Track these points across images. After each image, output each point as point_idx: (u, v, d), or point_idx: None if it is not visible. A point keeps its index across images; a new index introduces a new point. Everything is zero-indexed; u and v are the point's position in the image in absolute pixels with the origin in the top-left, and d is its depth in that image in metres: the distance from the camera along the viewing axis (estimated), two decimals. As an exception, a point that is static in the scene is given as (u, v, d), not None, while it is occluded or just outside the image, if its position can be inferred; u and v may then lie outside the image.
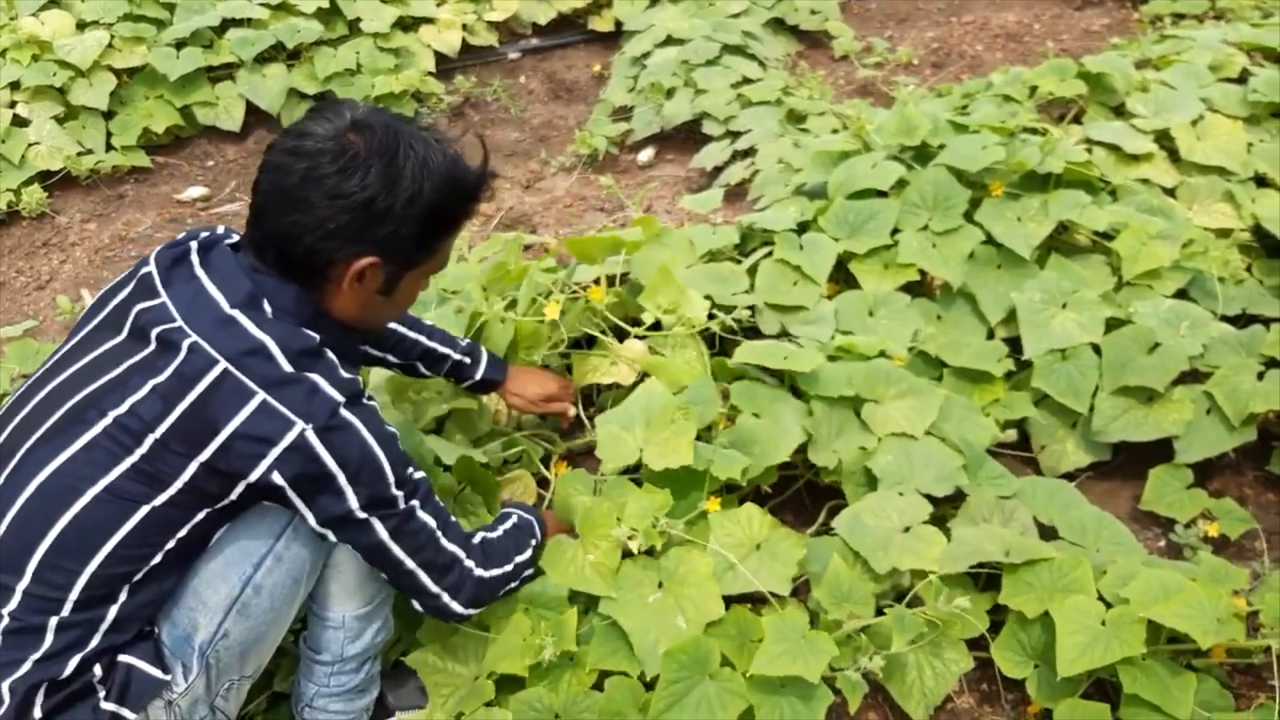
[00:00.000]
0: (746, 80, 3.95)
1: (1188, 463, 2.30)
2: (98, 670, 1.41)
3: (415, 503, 1.54)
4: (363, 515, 1.48)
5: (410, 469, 1.55)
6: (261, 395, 1.37)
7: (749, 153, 3.53)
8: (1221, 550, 2.24)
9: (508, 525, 1.84)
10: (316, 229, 1.42)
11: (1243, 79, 3.24)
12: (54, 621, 1.36)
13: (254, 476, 1.38)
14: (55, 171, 3.69)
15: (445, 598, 1.63)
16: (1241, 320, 2.59)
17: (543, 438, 2.39)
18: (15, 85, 3.80)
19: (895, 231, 2.62)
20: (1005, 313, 2.52)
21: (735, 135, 3.66)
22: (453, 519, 1.65)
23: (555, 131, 4.26)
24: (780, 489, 2.27)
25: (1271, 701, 1.78)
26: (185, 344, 1.38)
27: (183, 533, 1.43)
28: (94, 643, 1.39)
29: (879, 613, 1.86)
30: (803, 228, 2.68)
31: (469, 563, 1.64)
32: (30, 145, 3.69)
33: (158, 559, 1.42)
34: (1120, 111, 3.23)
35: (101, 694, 1.41)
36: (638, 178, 3.83)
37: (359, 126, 1.43)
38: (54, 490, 1.37)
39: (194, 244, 1.50)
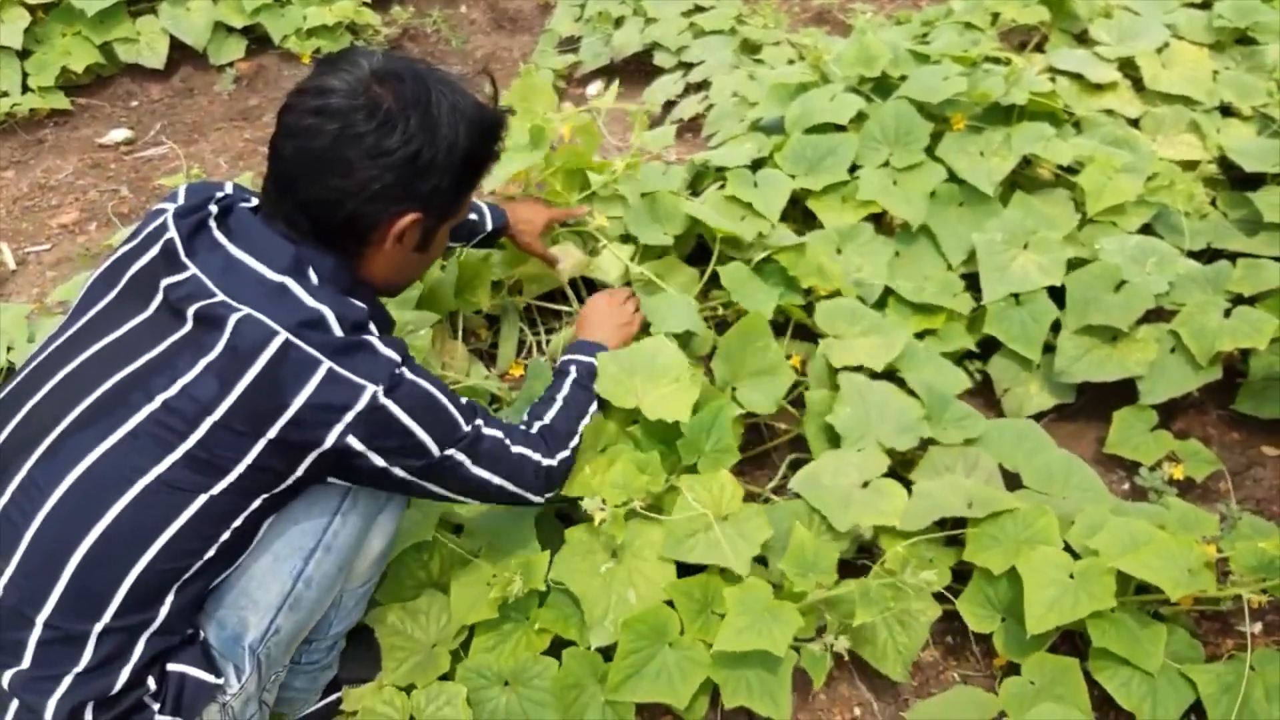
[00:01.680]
0: (699, 8, 3.78)
1: (1152, 403, 2.25)
2: (151, 683, 1.30)
3: (479, 422, 1.51)
4: (446, 453, 1.43)
5: (464, 400, 1.50)
6: (328, 363, 1.29)
7: (702, 85, 3.39)
8: (1187, 492, 2.20)
9: (566, 388, 1.81)
10: (359, 191, 1.33)
11: (1207, 4, 3.15)
12: (96, 628, 1.24)
13: (328, 443, 1.30)
14: (-33, 116, 3.48)
15: (530, 495, 1.62)
16: (1206, 255, 2.54)
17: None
18: (-81, 22, 3.56)
19: (854, 168, 2.52)
20: (967, 253, 2.44)
21: (688, 67, 3.52)
22: (510, 423, 1.63)
23: (499, 64, 4.08)
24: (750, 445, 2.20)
25: (1241, 651, 1.75)
26: (233, 318, 1.27)
27: (238, 522, 1.33)
28: (138, 650, 1.28)
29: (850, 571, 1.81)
30: (758, 165, 2.56)
31: (537, 456, 1.62)
32: (-61, 88, 3.47)
33: (210, 553, 1.32)
34: (1083, 39, 3.14)
35: (155, 708, 1.30)
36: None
37: (383, 77, 1.34)
38: (98, 482, 1.24)
39: (212, 207, 1.40)
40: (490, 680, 1.70)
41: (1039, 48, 3.13)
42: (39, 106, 3.58)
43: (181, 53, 3.84)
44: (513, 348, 2.37)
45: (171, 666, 1.32)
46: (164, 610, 1.29)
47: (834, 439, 2.03)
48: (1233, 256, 2.45)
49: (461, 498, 1.54)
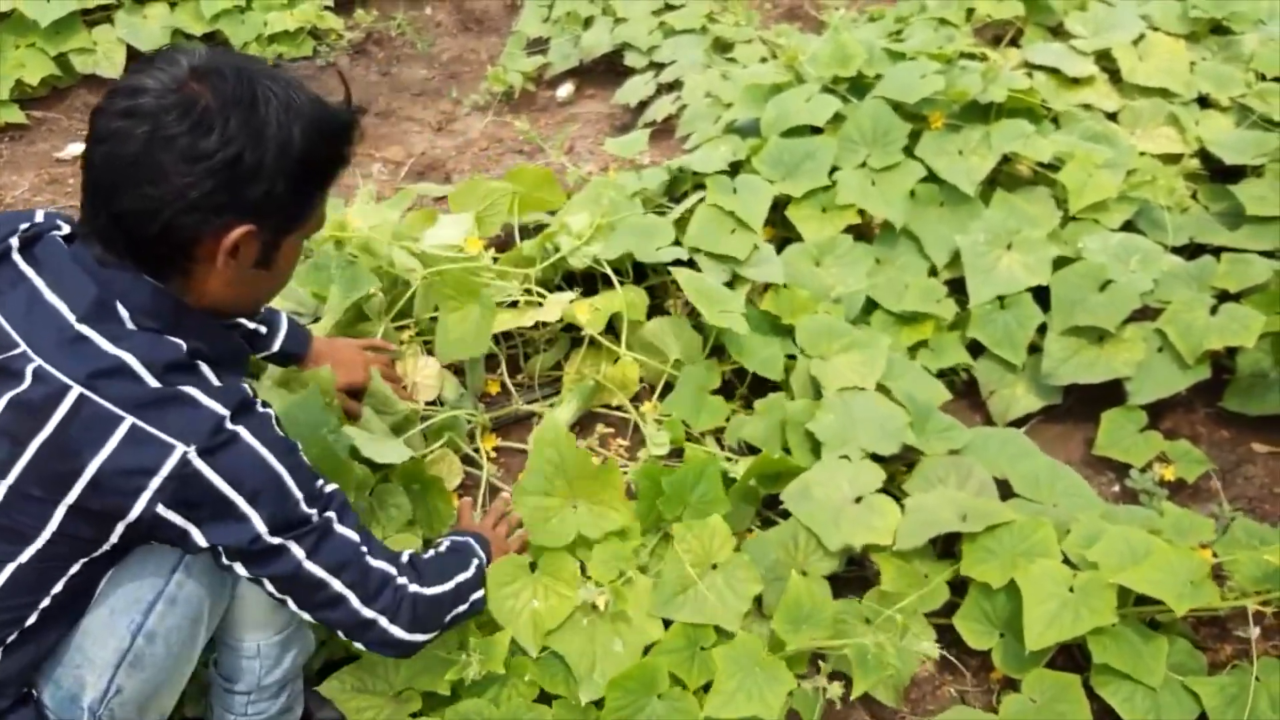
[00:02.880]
0: (669, 6, 3.72)
1: (1141, 404, 2.23)
2: None
3: (331, 515, 1.33)
4: (275, 540, 1.26)
5: (320, 481, 1.35)
6: (129, 419, 1.15)
7: (674, 86, 3.33)
8: (1178, 493, 2.17)
9: (441, 548, 1.65)
10: (174, 200, 1.17)
11: (1182, -7, 3.12)
12: None
13: (134, 514, 1.17)
14: (-82, 131, 3.37)
15: (383, 621, 1.40)
16: (1189, 250, 2.51)
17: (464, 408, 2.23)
18: None
19: (833, 170, 2.47)
20: (950, 254, 2.40)
21: (659, 67, 3.45)
22: (373, 536, 1.45)
23: (467, 67, 4.01)
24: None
25: (1241, 657, 1.72)
26: (29, 370, 1.17)
27: (58, 588, 1.24)
28: None
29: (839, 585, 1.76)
30: (735, 169, 2.51)
31: (401, 579, 1.42)
32: (-112, 104, 3.36)
33: (32, 619, 1.23)
34: (1058, 32, 3.11)
35: None
36: (557, 116, 3.62)
37: (202, 73, 1.19)
38: None
39: (14, 239, 1.26)
40: (482, 727, 1.63)
41: (1014, 42, 3.09)
42: (-8, 121, 3.48)
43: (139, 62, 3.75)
44: (481, 368, 2.30)
45: None
46: None
47: (815, 448, 1.99)
48: (1215, 251, 2.42)
49: (290, 601, 1.34)
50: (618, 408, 2.29)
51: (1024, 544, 1.78)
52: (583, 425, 2.28)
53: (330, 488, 1.36)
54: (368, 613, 1.38)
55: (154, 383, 1.18)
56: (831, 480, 1.87)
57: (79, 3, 3.61)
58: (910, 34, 2.96)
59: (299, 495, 1.27)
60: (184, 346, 1.23)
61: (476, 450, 2.19)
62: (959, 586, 1.84)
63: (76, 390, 1.15)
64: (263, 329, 1.84)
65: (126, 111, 1.17)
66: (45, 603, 1.23)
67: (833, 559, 1.80)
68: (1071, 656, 1.84)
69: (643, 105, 3.38)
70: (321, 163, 1.30)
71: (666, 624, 1.73)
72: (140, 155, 1.16)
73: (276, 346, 1.86)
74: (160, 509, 1.17)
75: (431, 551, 1.63)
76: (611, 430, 2.26)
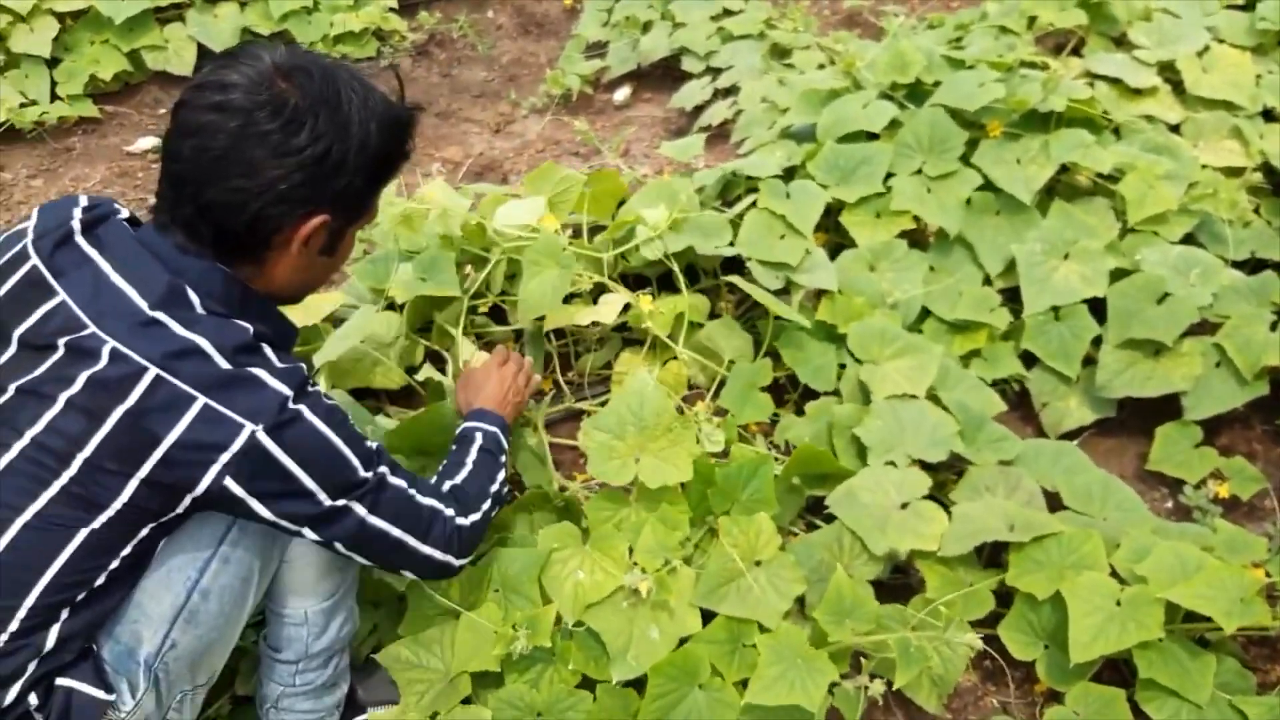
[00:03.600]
0: (727, 12, 3.74)
1: (1196, 419, 2.20)
2: (33, 699, 1.27)
3: (384, 469, 1.41)
4: (340, 503, 1.34)
5: (366, 441, 1.42)
6: (202, 399, 1.21)
7: (731, 91, 3.34)
8: (1232, 511, 2.14)
9: (474, 453, 1.70)
10: (263, 192, 1.25)
11: (1250, 5, 3.06)
12: None
13: (201, 488, 1.24)
14: (-3, 124, 3.48)
15: (438, 554, 1.50)
16: (1250, 265, 2.47)
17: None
18: (-50, 33, 3.56)
19: (888, 177, 2.47)
20: (1004, 263, 2.39)
21: (716, 72, 3.47)
22: (416, 475, 1.52)
23: (526, 70, 4.05)
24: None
25: (1293, 680, 1.70)
26: (105, 350, 1.22)
27: (126, 550, 1.29)
28: (30, 669, 1.25)
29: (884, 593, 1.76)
30: (789, 173, 2.52)
31: (449, 512, 1.52)
32: (-32, 97, 3.47)
33: (100, 580, 1.29)
34: (1121, 42, 3.07)
35: None
36: (614, 119, 3.64)
37: (287, 71, 1.27)
38: None
39: (74, 221, 1.31)
40: (523, 711, 1.66)
41: (1075, 51, 3.06)
42: (67, 115, 3.58)
43: (209, 59, 3.83)
44: (539, 365, 2.33)
45: (60, 681, 1.28)
46: (55, 630, 1.26)
47: (861, 452, 1.99)
48: (1277, 266, 2.39)
49: (357, 555, 1.44)
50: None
51: (1072, 556, 1.76)
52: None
53: (375, 444, 1.44)
54: (424, 549, 1.48)
55: (224, 364, 1.24)
56: (878, 485, 1.87)
57: (152, 1, 3.71)
58: (970, 42, 2.95)
59: (356, 462, 1.35)
60: (250, 329, 1.30)
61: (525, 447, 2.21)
62: (1004, 597, 1.83)
63: (153, 371, 1.21)
64: None
65: (217, 106, 1.24)
66: (114, 564, 1.29)
67: (877, 564, 1.80)
68: (1117, 671, 1.82)
69: (699, 109, 3.40)
70: (390, 157, 1.40)
71: (705, 620, 1.74)
72: (230, 149, 1.24)
73: None
74: (227, 482, 1.24)
75: (467, 464, 1.67)
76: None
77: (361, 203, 1.39)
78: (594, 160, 3.30)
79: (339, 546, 1.40)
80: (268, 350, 1.31)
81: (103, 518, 1.24)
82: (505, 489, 1.71)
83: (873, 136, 2.57)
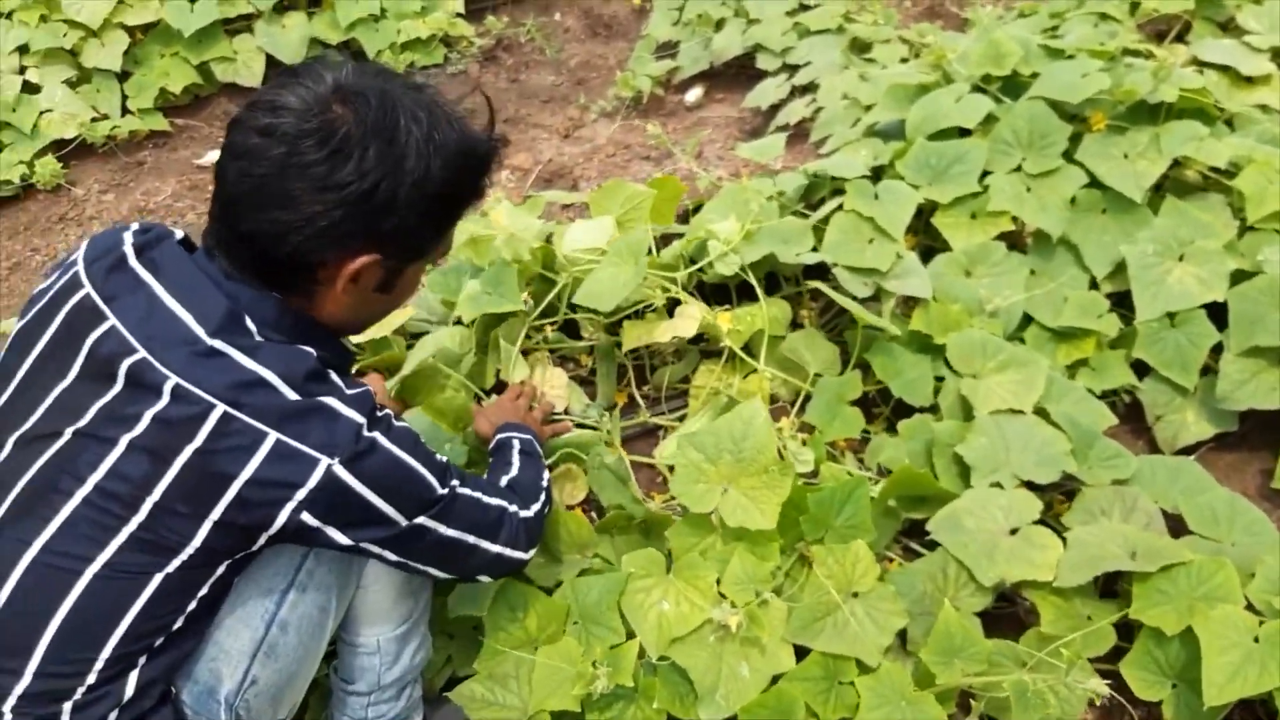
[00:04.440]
0: (804, 6, 3.61)
1: (1329, 433, 2.02)
2: None
3: (455, 483, 1.35)
4: (417, 522, 1.29)
5: (437, 456, 1.34)
6: (273, 435, 1.14)
7: (809, 88, 3.21)
8: (1371, 534, 1.95)
9: (515, 455, 1.66)
10: (303, 227, 1.16)
11: (1370, -17, 2.85)
12: (67, 707, 1.15)
13: (278, 525, 1.17)
14: (70, 140, 3.47)
15: (508, 552, 1.45)
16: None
17: (587, 425, 2.15)
18: (24, 49, 3.57)
19: (984, 175, 2.31)
20: (1112, 266, 2.22)
21: (793, 69, 3.34)
22: (478, 478, 1.48)
23: (595, 73, 3.96)
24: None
25: None
26: (167, 387, 1.14)
27: (202, 591, 1.22)
28: (110, 719, 1.19)
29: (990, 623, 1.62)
30: (877, 174, 2.38)
31: (513, 508, 1.47)
32: (42, 113, 3.46)
33: (178, 623, 1.22)
34: (1228, 27, 2.88)
35: None
36: (686, 120, 3.53)
37: (346, 95, 1.16)
38: (42, 578, 1.14)
39: (127, 246, 1.24)
40: (604, 752, 1.55)
41: (1180, 38, 2.88)
42: (138, 128, 3.58)
43: (277, 70, 3.81)
44: (612, 380, 2.23)
45: None
46: (135, 676, 1.19)
47: (964, 472, 1.85)
48: None
49: (433, 569, 1.38)
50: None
51: (1202, 587, 1.60)
52: (711, 441, 2.18)
53: (444, 457, 1.37)
54: (495, 548, 1.42)
55: (292, 395, 1.16)
56: (984, 509, 1.72)
57: (220, 12, 3.69)
58: (1067, 30, 2.78)
59: (432, 479, 1.28)
60: (314, 354, 1.22)
61: (602, 465, 2.11)
62: (1124, 629, 1.68)
63: (221, 408, 1.13)
64: None
65: (265, 130, 1.15)
66: (191, 606, 1.22)
67: (984, 594, 1.66)
68: (1253, 712, 1.65)
69: (775, 109, 3.28)
70: (457, 195, 1.28)
71: (799, 656, 1.62)
72: (272, 178, 1.15)
73: None
74: (305, 517, 1.17)
75: (514, 464, 1.63)
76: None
77: (419, 242, 1.28)
78: (665, 164, 3.19)
79: (415, 564, 1.36)
80: (334, 375, 1.23)
81: (176, 562, 1.17)
82: (550, 487, 1.66)
83: (965, 133, 2.42)
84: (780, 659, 1.59)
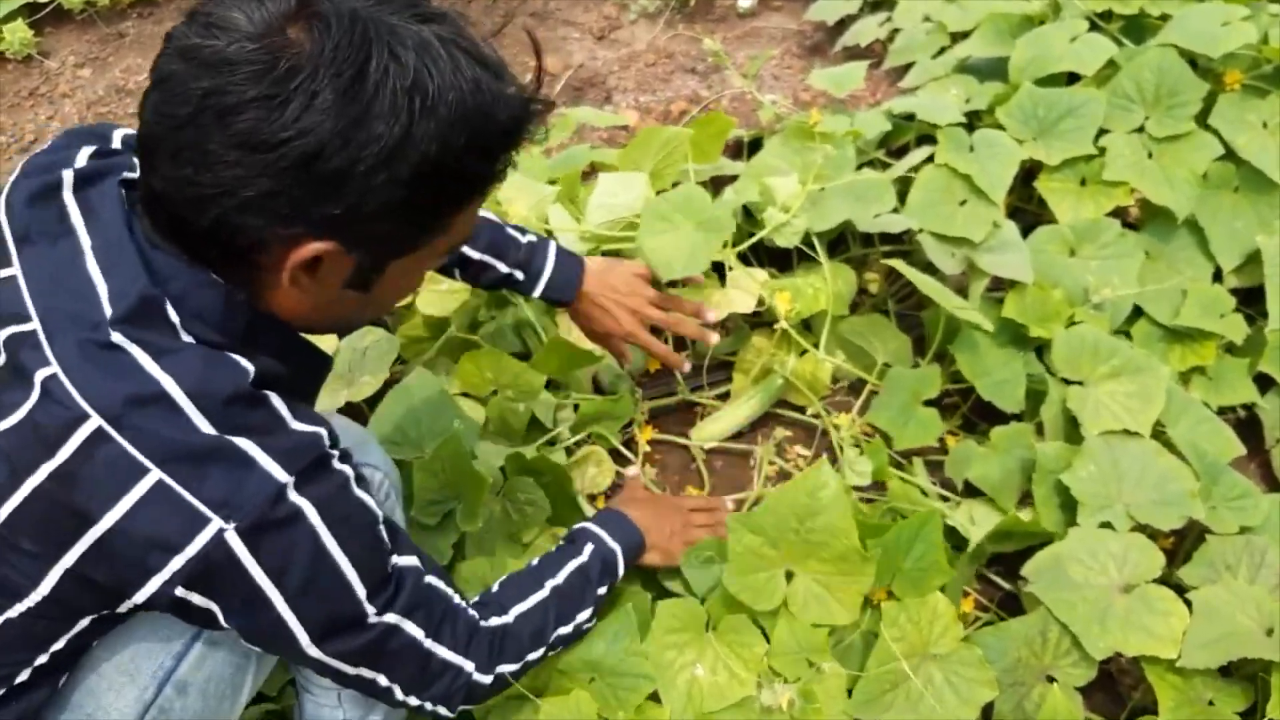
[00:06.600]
0: (877, -94, 3.18)
1: None
2: None
3: (392, 617, 1.00)
4: (314, 652, 0.96)
5: (394, 559, 1.02)
6: (156, 474, 0.83)
7: (883, 3, 2.81)
8: None
9: (565, 574, 1.30)
10: (221, 197, 0.82)
11: None
12: None
13: (142, 596, 0.87)
14: (44, 3, 3.07)
15: (427, 706, 1.12)
16: None
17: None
18: (-6, -106, 3.15)
19: (1099, 135, 1.96)
20: (1243, 257, 1.90)
21: (864, -20, 2.94)
22: (457, 602, 1.13)
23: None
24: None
25: None
26: (39, 377, 0.83)
27: (59, 645, 0.95)
28: None
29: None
30: (971, 121, 2.03)
31: (468, 666, 1.12)
32: (13, -30, 3.07)
33: (24, 676, 0.95)
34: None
35: None
36: (736, 29, 3.13)
37: (311, 16, 0.81)
38: None
39: (67, 170, 0.92)
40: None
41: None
42: (121, -5, 3.17)
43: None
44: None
45: None
46: None
47: (1065, 503, 1.56)
48: None
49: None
50: (801, 408, 1.89)
51: (1357, 681, 1.33)
52: (757, 427, 1.89)
53: (405, 562, 1.04)
54: (411, 700, 1.10)
55: (201, 423, 0.84)
56: (1094, 557, 1.44)
57: None
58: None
59: (360, 590, 0.96)
60: (250, 371, 0.89)
61: (630, 444, 1.83)
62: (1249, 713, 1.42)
63: (94, 422, 0.82)
64: (518, 273, 1.52)
65: (190, 52, 0.80)
66: (42, 660, 0.94)
67: (1090, 666, 1.39)
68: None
69: (841, 25, 2.88)
70: (459, 177, 0.90)
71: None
72: (187, 123, 0.80)
73: (537, 293, 1.55)
74: (179, 591, 0.87)
75: (544, 594, 1.26)
76: (790, 434, 1.87)
77: (398, 235, 0.91)
78: (712, 79, 2.82)
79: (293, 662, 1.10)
80: (275, 402, 0.91)
81: (19, 608, 0.89)
82: (589, 624, 1.33)
83: (1074, 79, 2.06)
84: (841, 734, 1.32)
